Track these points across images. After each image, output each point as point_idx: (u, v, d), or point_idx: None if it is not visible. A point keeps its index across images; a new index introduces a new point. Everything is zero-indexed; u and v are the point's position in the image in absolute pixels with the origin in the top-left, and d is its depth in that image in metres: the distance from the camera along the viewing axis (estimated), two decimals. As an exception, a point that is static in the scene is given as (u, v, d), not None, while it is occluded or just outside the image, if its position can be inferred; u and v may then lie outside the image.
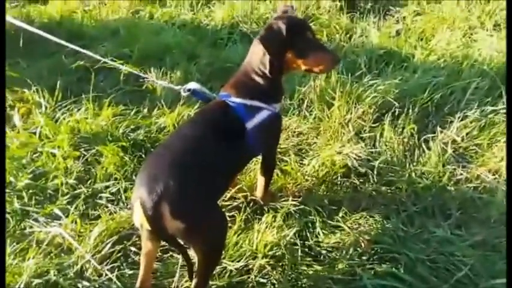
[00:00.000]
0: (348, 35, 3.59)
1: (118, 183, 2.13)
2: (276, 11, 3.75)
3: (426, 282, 1.71)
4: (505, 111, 2.60)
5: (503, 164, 2.28)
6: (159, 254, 1.78)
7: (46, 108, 2.65)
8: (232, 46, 3.45)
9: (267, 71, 1.68)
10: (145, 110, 2.69)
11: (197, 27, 3.74)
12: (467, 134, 2.52)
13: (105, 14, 3.97)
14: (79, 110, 2.59)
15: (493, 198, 2.13)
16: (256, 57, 1.70)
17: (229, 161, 1.61)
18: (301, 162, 2.34)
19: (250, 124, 1.65)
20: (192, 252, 1.51)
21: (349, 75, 2.79)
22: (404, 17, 3.91)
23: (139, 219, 1.37)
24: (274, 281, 1.70)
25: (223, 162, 1.55)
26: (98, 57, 2.28)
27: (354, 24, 3.73)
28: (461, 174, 2.29)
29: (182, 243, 1.44)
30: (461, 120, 2.57)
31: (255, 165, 2.18)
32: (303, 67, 1.71)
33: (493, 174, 2.28)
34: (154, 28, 3.64)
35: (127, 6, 4.07)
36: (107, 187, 2.12)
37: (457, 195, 2.16)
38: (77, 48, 2.19)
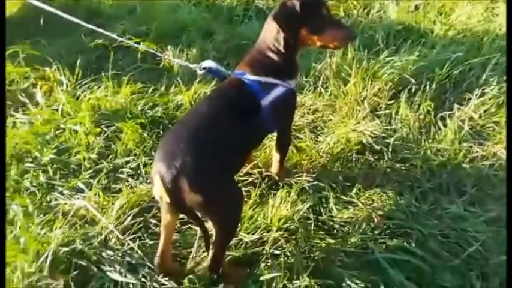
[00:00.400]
0: (366, 11, 3.51)
1: (138, 158, 2.20)
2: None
3: (438, 256, 1.74)
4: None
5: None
6: (178, 225, 1.85)
7: (67, 86, 2.72)
8: (248, 23, 3.43)
9: (281, 48, 1.69)
10: (163, 88, 2.73)
11: (212, 4, 3.71)
12: (485, 111, 2.50)
13: (122, -8, 3.97)
14: (99, 87, 2.65)
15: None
16: (270, 34, 1.70)
17: (244, 138, 1.64)
18: (316, 139, 2.37)
19: (265, 101, 1.67)
20: (209, 225, 1.57)
21: (366, 51, 2.77)
22: (424, -9, 3.80)
23: (159, 192, 1.43)
24: (288, 253, 1.76)
25: (238, 139, 1.59)
26: (115, 37, 2.32)
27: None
28: (477, 151, 2.28)
29: (200, 216, 1.50)
30: (480, 97, 2.55)
31: (270, 141, 2.21)
32: (318, 43, 1.72)
33: (510, 152, 2.26)
34: (171, 6, 3.64)
35: (143, -16, 4.06)
36: (127, 162, 2.19)
37: (472, 172, 2.16)
38: (95, 28, 2.23)
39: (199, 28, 3.32)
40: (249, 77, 1.68)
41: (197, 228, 1.81)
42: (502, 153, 2.25)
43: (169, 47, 3.09)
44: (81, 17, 2.26)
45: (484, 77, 2.67)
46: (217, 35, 3.24)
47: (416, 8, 3.52)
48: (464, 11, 3.36)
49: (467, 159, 2.23)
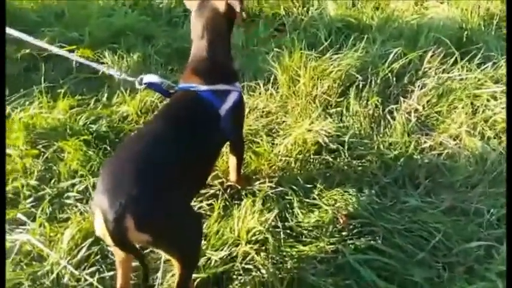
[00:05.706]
0: (305, 8, 3.53)
1: (85, 179, 2.01)
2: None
3: (404, 251, 1.77)
4: (460, 77, 2.72)
5: (463, 129, 2.39)
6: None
7: (-7, 104, 2.44)
8: (189, 24, 3.28)
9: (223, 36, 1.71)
10: (105, 98, 2.54)
11: (149, 5, 3.53)
12: (427, 102, 2.61)
13: (46, -6, 3.63)
14: (31, 103, 2.40)
15: (456, 164, 2.23)
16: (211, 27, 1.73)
17: (207, 153, 1.57)
18: (272, 142, 2.33)
19: (222, 109, 1.62)
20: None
21: (312, 50, 2.78)
22: (358, -15, 3.88)
23: (100, 230, 1.23)
24: (260, 266, 1.70)
25: (201, 155, 1.50)
26: (46, 46, 2.10)
27: (310, -4, 3.67)
28: (425, 142, 2.37)
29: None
30: (421, 88, 2.65)
31: (227, 148, 2.13)
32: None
33: (454, 140, 2.38)
34: (103, 9, 3.39)
35: (70, -15, 3.75)
36: (73, 185, 2.00)
37: (423, 163, 2.24)
38: (22, 35, 1.99)
39: (137, 32, 3.13)
40: (200, 87, 1.61)
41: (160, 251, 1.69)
42: (448, 141, 2.36)
43: (106, 53, 2.88)
44: (1, 24, 2.02)
45: (422, 69, 2.79)
46: (158, 39, 3.08)
47: (354, 4, 3.60)
48: (398, 5, 3.50)
49: (417, 151, 2.32)
